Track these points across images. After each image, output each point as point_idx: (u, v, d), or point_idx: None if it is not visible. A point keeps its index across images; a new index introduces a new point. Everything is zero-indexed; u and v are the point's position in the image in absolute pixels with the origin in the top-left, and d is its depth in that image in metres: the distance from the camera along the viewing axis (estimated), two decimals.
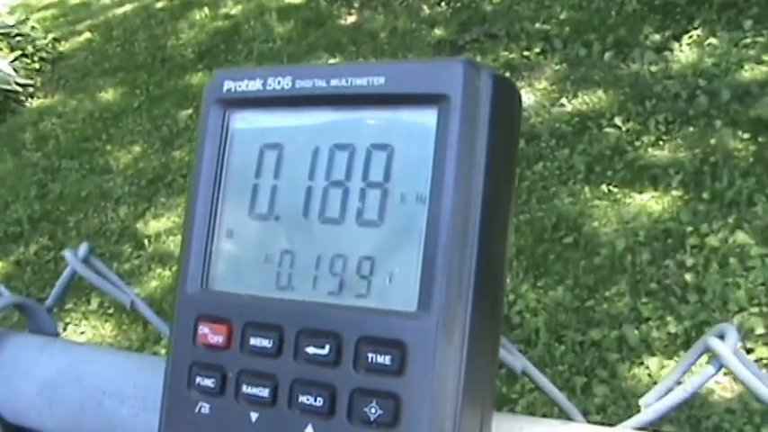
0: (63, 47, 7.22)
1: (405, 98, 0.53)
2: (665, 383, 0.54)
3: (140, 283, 3.99)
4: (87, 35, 7.38)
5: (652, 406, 0.54)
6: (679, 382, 0.54)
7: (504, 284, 0.54)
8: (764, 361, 2.66)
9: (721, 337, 0.53)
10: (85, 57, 6.94)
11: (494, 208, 0.52)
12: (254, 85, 0.59)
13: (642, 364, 2.81)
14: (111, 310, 3.86)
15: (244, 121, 0.60)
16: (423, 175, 0.52)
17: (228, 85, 0.60)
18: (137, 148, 5.30)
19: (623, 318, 3.00)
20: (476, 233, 0.51)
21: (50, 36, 7.27)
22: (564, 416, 0.60)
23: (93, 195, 4.93)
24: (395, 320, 0.51)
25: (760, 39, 4.20)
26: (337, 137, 0.56)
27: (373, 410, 0.50)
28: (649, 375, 2.76)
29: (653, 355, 2.82)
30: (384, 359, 0.50)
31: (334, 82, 0.56)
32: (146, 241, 4.32)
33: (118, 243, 4.42)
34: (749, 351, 2.69)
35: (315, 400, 0.52)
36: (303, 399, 0.53)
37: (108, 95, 6.14)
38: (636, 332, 2.91)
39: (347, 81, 0.55)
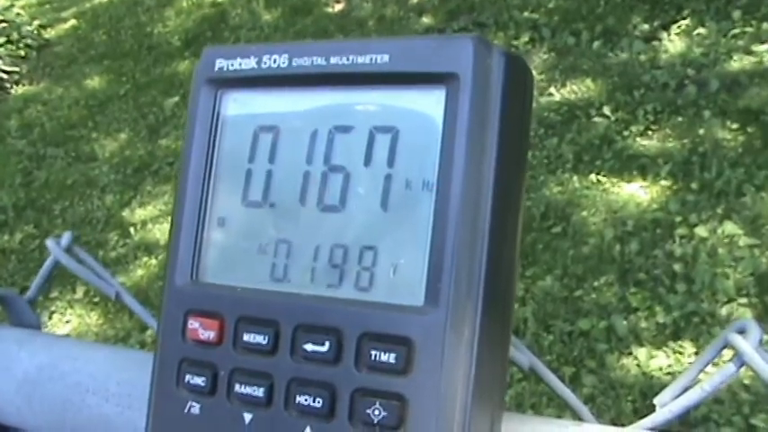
0: (49, 34, 7.17)
1: (410, 77, 0.50)
2: (682, 382, 0.52)
3: (126, 271, 3.96)
4: (73, 22, 7.33)
5: (667, 405, 0.52)
6: (697, 381, 0.51)
7: (515, 278, 0.51)
8: None
9: (742, 332, 0.50)
10: (71, 44, 6.89)
11: (506, 196, 0.49)
12: (248, 64, 0.55)
13: (631, 354, 2.80)
14: (96, 299, 3.84)
15: (237, 102, 0.57)
16: (430, 160, 0.49)
17: (221, 63, 0.56)
18: (123, 136, 5.26)
19: (612, 308, 2.99)
20: (487, 223, 0.47)
21: (36, 23, 7.22)
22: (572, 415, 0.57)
23: (79, 183, 4.90)
24: (400, 315, 0.48)
25: (748, 29, 4.19)
26: (337, 118, 0.53)
27: (376, 412, 0.47)
28: (638, 365, 2.75)
29: (641, 345, 2.81)
30: (388, 357, 0.47)
31: (334, 60, 0.52)
32: (132, 229, 4.29)
33: (104, 231, 4.39)
34: None
35: (313, 401, 0.49)
36: (301, 399, 0.50)
37: (94, 83, 6.10)
38: (624, 322, 2.90)
39: (348, 59, 0.52)
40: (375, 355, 0.48)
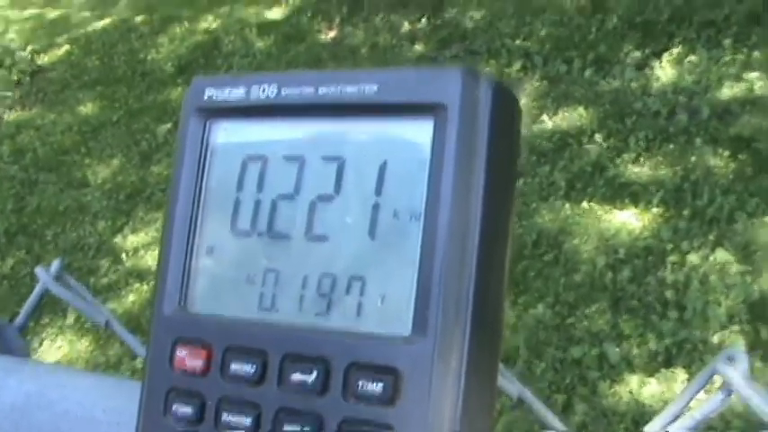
0: (42, 59, 7.17)
1: (399, 108, 0.50)
2: (671, 410, 0.52)
3: (118, 297, 3.95)
4: (66, 48, 7.33)
5: None
6: (687, 409, 0.51)
7: (503, 307, 0.51)
8: None
9: (731, 361, 0.50)
10: (64, 70, 6.89)
11: (494, 225, 0.49)
12: (236, 94, 0.55)
13: (623, 381, 2.80)
14: (87, 326, 3.82)
15: (225, 132, 0.56)
16: (417, 190, 0.48)
17: (209, 92, 0.56)
18: (115, 162, 5.26)
19: (604, 335, 2.99)
20: (474, 253, 0.47)
21: (29, 48, 7.23)
22: None
23: (71, 209, 4.89)
24: (387, 345, 0.48)
25: (739, 56, 4.21)
26: (326, 149, 0.53)
27: None
28: (630, 393, 2.75)
29: (633, 372, 2.81)
30: (375, 387, 0.47)
31: (322, 90, 0.52)
32: (123, 256, 4.28)
33: (95, 258, 4.38)
34: None
35: (300, 430, 0.49)
36: (288, 428, 0.49)
37: (87, 109, 6.10)
38: (616, 350, 2.90)
39: (337, 89, 0.52)
40: (362, 385, 0.47)
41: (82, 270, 4.26)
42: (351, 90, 0.51)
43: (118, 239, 4.47)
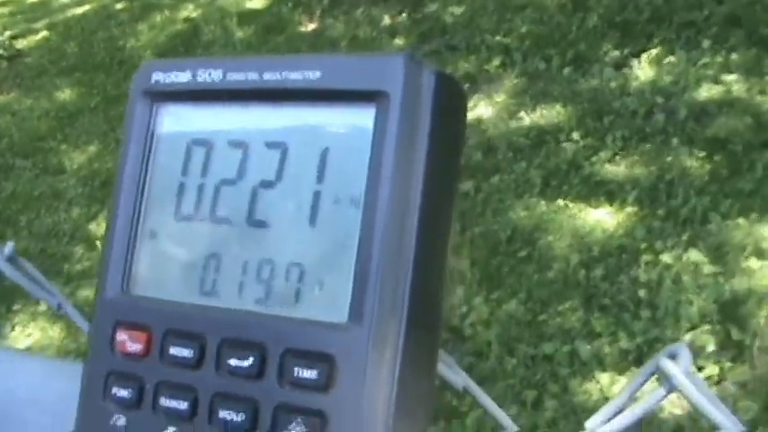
0: (20, 44, 7.14)
1: (341, 94, 0.50)
2: (613, 405, 0.52)
3: (91, 285, 3.93)
4: (45, 33, 7.31)
5: (598, 429, 0.52)
6: (634, 399, 0.51)
7: (442, 297, 0.51)
8: (715, 378, 2.66)
9: (673, 357, 0.50)
10: (42, 55, 6.87)
11: (433, 214, 0.49)
12: (183, 77, 0.55)
13: (593, 379, 2.80)
14: (60, 312, 3.80)
15: (171, 116, 0.56)
16: (358, 178, 0.49)
17: (156, 76, 0.56)
18: (92, 149, 5.24)
19: (575, 332, 2.99)
20: (412, 241, 0.47)
21: (7, 33, 7.19)
22: None
23: (46, 195, 4.86)
24: (323, 332, 0.48)
25: (718, 58, 4.22)
26: (269, 134, 0.53)
27: (298, 428, 0.47)
28: (601, 390, 2.75)
29: (604, 370, 2.81)
30: (310, 374, 0.47)
31: (267, 76, 0.52)
32: (98, 243, 4.26)
33: (70, 244, 4.36)
34: (700, 369, 2.69)
35: (236, 416, 0.49)
36: (224, 413, 0.49)
37: (64, 95, 6.07)
38: (588, 347, 2.91)
39: (281, 75, 0.51)
40: (297, 372, 0.47)
41: (56, 256, 4.24)
42: (295, 76, 0.51)
43: (92, 226, 4.45)
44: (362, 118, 0.49)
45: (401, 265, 0.47)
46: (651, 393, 0.50)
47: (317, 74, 0.50)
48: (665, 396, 0.49)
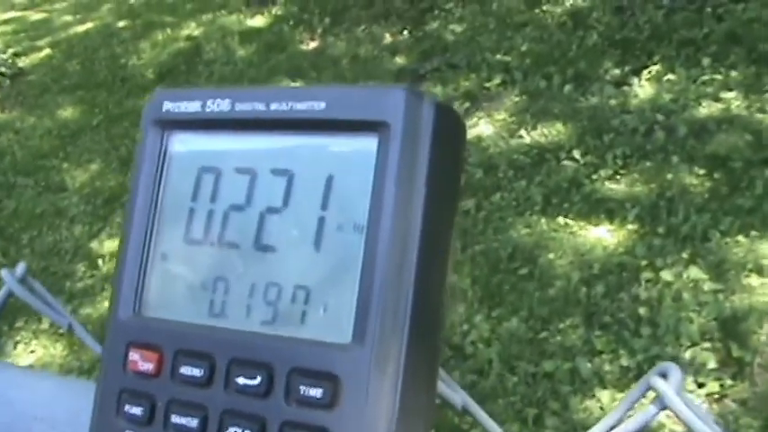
0: (23, 62, 7.17)
1: (345, 124, 0.52)
2: (607, 422, 0.53)
3: (93, 303, 3.94)
4: (48, 52, 7.34)
5: None
6: (627, 417, 0.53)
7: (442, 318, 0.53)
8: (716, 396, 2.66)
9: (664, 376, 0.52)
10: (45, 73, 6.89)
11: (433, 240, 0.51)
12: (193, 107, 0.57)
13: (594, 396, 2.80)
14: (62, 331, 3.80)
15: (182, 143, 0.58)
16: (361, 205, 0.51)
17: (167, 105, 0.58)
18: (94, 167, 5.26)
19: (576, 350, 3.00)
20: (413, 265, 0.49)
21: (10, 51, 7.23)
22: None
23: (48, 213, 4.88)
24: (328, 352, 0.50)
25: (717, 76, 4.24)
26: (276, 162, 0.55)
27: None
28: (601, 408, 2.76)
29: (605, 388, 2.82)
30: (316, 392, 0.49)
31: (273, 106, 0.54)
32: (100, 261, 4.27)
33: (72, 262, 4.37)
34: (701, 385, 2.70)
35: None
36: (232, 430, 0.51)
37: (66, 113, 6.09)
38: (588, 365, 2.91)
39: (287, 105, 0.54)
40: (303, 390, 0.49)
41: (58, 274, 4.25)
42: (300, 106, 0.53)
43: (94, 244, 4.47)
44: (365, 147, 0.51)
45: (402, 289, 0.49)
46: (643, 410, 0.51)
47: (322, 104, 0.53)
48: (657, 414, 0.51)
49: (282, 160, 0.55)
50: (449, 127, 0.52)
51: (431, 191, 0.50)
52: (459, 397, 0.57)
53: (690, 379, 2.72)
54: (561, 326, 3.12)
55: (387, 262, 0.49)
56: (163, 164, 0.58)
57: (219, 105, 0.56)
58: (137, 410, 0.55)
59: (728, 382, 2.71)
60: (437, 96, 0.53)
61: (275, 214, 0.54)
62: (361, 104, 0.52)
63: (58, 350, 3.73)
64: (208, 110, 0.56)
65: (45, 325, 3.85)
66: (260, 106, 0.55)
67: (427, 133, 0.50)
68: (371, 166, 0.51)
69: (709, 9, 4.73)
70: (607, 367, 2.89)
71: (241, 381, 0.51)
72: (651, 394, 0.55)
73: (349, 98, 0.52)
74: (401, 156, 0.50)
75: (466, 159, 0.53)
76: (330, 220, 0.52)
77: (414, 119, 0.50)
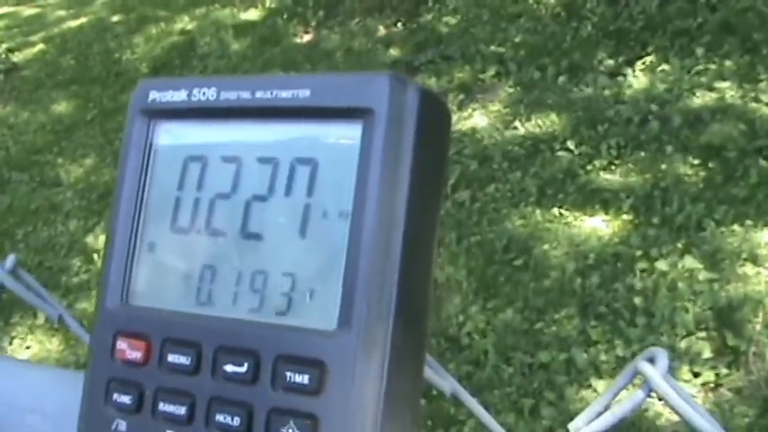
0: (17, 57, 7.15)
1: (330, 112, 0.52)
2: (595, 407, 0.53)
3: (89, 297, 3.94)
4: (41, 47, 7.32)
5: (582, 430, 0.53)
6: (615, 402, 0.53)
7: (428, 304, 0.53)
8: (711, 385, 2.67)
9: (652, 361, 0.52)
10: (39, 68, 6.88)
11: (417, 225, 0.51)
12: (178, 96, 0.57)
13: (590, 386, 2.81)
14: (57, 325, 3.80)
15: (168, 133, 0.59)
16: (346, 191, 0.51)
17: (153, 95, 0.58)
18: (88, 162, 5.25)
19: (572, 340, 3.00)
20: (398, 251, 0.49)
21: (4, 46, 7.22)
22: None
23: (43, 208, 4.87)
24: (314, 339, 0.50)
25: (711, 66, 4.24)
26: (261, 150, 0.55)
27: (290, 430, 0.49)
28: (597, 398, 2.76)
29: (601, 377, 2.83)
30: (302, 378, 0.49)
31: (258, 94, 0.54)
32: (95, 256, 4.27)
33: (67, 257, 4.37)
34: (696, 375, 2.71)
35: (232, 420, 0.51)
36: (220, 417, 0.51)
37: (61, 108, 6.09)
38: (584, 355, 2.92)
39: (272, 93, 0.54)
40: (290, 377, 0.50)
41: (53, 269, 4.25)
42: (285, 94, 0.53)
43: (89, 239, 4.46)
44: (350, 134, 0.51)
45: (388, 275, 0.49)
46: (631, 395, 0.51)
47: (307, 92, 0.53)
48: (644, 398, 0.51)
49: (268, 148, 0.55)
50: (434, 114, 0.53)
51: (415, 177, 0.50)
52: (447, 384, 0.57)
53: (685, 368, 2.73)
54: (556, 316, 3.12)
55: (372, 248, 0.49)
56: (149, 153, 0.58)
57: (205, 94, 0.56)
58: (125, 399, 0.55)
59: (724, 371, 2.72)
60: (422, 83, 0.53)
61: (261, 202, 0.54)
62: (345, 91, 0.52)
63: (53, 345, 3.73)
64: (194, 99, 0.57)
65: (40, 320, 3.85)
66: (245, 94, 0.55)
67: (412, 120, 0.50)
68: (356, 152, 0.51)
69: None
70: (603, 357, 2.90)
71: (228, 368, 0.52)
72: (641, 381, 0.55)
73: (334, 85, 0.53)
74: (386, 142, 0.50)
75: (450, 146, 0.53)
76: (315, 207, 0.52)
77: (398, 105, 0.50)
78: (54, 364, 3.59)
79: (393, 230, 0.49)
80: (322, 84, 0.53)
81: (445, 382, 0.57)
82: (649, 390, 0.51)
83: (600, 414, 0.53)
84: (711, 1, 4.70)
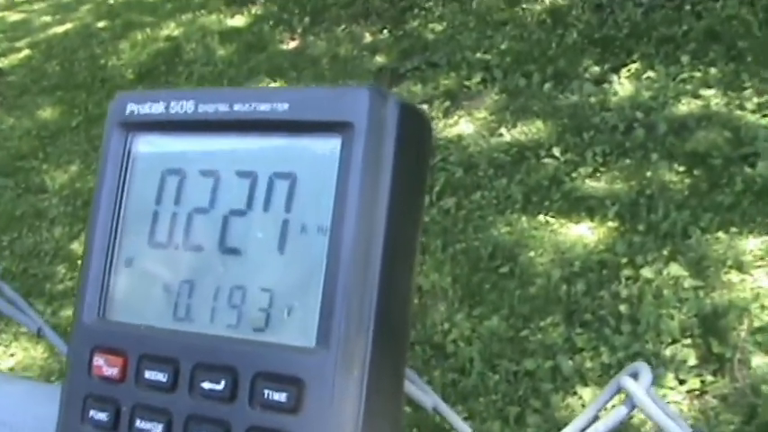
0: (2, 63, 7.14)
1: (309, 125, 0.52)
2: (578, 423, 0.53)
3: (73, 305, 3.91)
4: (27, 52, 7.31)
5: None
6: (597, 417, 0.52)
7: (408, 320, 0.52)
8: (696, 392, 2.67)
9: (635, 376, 0.52)
10: (24, 74, 6.87)
11: (397, 241, 0.50)
12: (156, 108, 0.57)
13: (576, 394, 2.81)
14: (37, 338, 3.78)
15: (146, 145, 0.58)
16: (325, 206, 0.50)
17: (131, 107, 0.58)
18: (74, 168, 5.23)
19: (557, 348, 3.00)
20: (377, 267, 0.49)
21: None
22: None
23: (28, 215, 4.86)
24: (292, 356, 0.49)
25: (697, 73, 4.25)
26: (239, 164, 0.54)
27: None
28: (582, 405, 2.76)
29: (586, 385, 2.83)
30: (280, 396, 0.48)
31: (237, 107, 0.54)
32: (80, 263, 4.24)
33: (52, 264, 4.35)
34: (682, 382, 2.71)
35: None
36: None
37: (46, 114, 6.07)
38: (570, 362, 2.92)
39: (250, 106, 0.53)
40: (268, 394, 0.49)
41: (38, 276, 4.23)
42: (264, 107, 0.53)
43: (75, 246, 4.45)
44: (329, 148, 0.51)
45: (367, 291, 0.49)
46: (614, 411, 0.51)
47: (285, 105, 0.52)
48: (627, 414, 0.51)
49: (246, 162, 0.54)
50: (414, 127, 0.52)
51: (395, 192, 0.50)
52: (429, 399, 0.56)
53: (670, 375, 2.73)
54: (542, 324, 3.12)
55: (350, 264, 0.48)
56: (127, 166, 0.58)
57: (183, 107, 0.55)
58: (101, 416, 0.54)
59: (709, 378, 2.72)
60: (402, 96, 0.52)
61: (239, 217, 0.54)
62: (324, 105, 0.51)
63: (38, 353, 3.71)
64: (172, 111, 0.56)
65: (25, 328, 3.82)
66: (223, 107, 0.54)
67: (391, 133, 0.50)
68: (335, 166, 0.50)
69: (688, 6, 4.74)
70: (588, 364, 2.90)
71: (206, 385, 0.51)
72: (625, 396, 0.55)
73: (312, 99, 0.52)
74: (365, 156, 0.49)
75: (432, 158, 0.52)
76: (294, 222, 0.52)
77: (378, 119, 0.50)
78: (38, 371, 3.58)
79: (372, 246, 0.49)
80: (301, 97, 0.52)
81: (426, 396, 0.56)
82: (632, 406, 0.51)
83: (583, 430, 0.52)
84: (696, 8, 4.71)
